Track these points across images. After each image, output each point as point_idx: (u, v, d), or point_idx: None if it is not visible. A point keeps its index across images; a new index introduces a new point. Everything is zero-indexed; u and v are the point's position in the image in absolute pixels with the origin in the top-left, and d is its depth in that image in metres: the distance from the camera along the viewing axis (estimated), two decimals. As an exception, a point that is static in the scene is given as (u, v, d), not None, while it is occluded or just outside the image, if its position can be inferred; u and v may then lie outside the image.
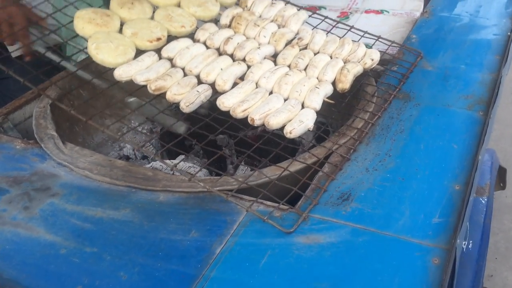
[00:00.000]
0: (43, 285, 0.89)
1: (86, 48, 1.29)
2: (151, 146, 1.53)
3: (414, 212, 0.97)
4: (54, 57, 1.39)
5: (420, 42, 1.58)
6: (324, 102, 1.23)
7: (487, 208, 1.52)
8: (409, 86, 1.37)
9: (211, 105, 1.23)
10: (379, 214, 0.97)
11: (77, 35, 1.33)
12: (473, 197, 1.55)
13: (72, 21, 1.33)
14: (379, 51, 1.40)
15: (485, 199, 1.53)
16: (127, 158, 1.51)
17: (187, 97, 1.18)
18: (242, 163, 1.40)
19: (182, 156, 1.20)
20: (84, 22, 1.30)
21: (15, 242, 0.98)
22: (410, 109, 1.27)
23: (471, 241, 1.46)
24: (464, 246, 1.46)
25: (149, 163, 1.42)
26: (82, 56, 1.61)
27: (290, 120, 1.14)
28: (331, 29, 1.53)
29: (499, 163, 1.81)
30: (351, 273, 0.86)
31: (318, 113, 1.19)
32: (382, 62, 1.44)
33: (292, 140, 1.16)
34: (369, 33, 1.52)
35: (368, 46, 1.49)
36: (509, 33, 1.55)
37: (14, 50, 1.46)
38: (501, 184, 2.11)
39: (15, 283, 0.89)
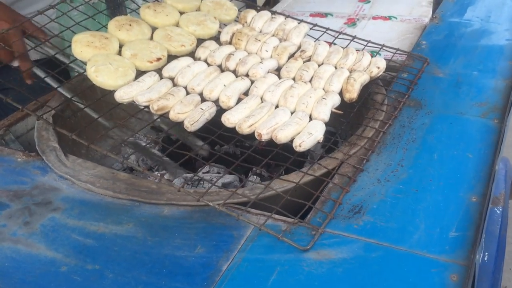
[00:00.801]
0: (43, 304, 0.85)
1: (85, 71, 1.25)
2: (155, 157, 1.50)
3: (429, 226, 0.93)
4: (52, 83, 1.36)
5: (430, 48, 1.54)
6: (332, 113, 1.19)
7: (502, 218, 1.47)
8: (421, 93, 1.33)
9: (214, 123, 1.19)
10: (393, 228, 0.93)
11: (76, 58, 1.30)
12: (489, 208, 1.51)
13: (69, 46, 1.30)
14: (385, 59, 1.37)
15: (500, 209, 1.48)
16: (131, 169, 1.48)
17: (191, 115, 1.14)
18: (251, 176, 1.36)
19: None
20: (82, 45, 1.27)
21: (14, 259, 0.95)
22: (422, 117, 1.23)
23: (486, 253, 1.41)
24: (480, 258, 1.42)
25: (153, 172, 1.38)
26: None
27: (299, 133, 1.11)
28: (334, 40, 1.49)
29: (513, 170, 1.77)
30: (364, 290, 0.82)
31: (326, 124, 1.15)
32: (391, 69, 1.40)
33: (301, 153, 1.12)
34: (372, 42, 1.48)
35: (375, 54, 1.46)
36: (521, 38, 1.51)
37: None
38: (514, 192, 2.06)
39: (14, 303, 0.86)
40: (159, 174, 1.35)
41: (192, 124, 1.13)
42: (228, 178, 1.29)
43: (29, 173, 1.18)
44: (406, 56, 1.50)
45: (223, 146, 1.46)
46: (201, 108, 1.16)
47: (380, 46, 1.48)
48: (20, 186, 1.14)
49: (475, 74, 1.38)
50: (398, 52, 1.47)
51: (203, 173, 1.35)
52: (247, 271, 0.87)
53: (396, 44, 1.78)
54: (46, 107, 1.36)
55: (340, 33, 1.54)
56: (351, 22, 2.03)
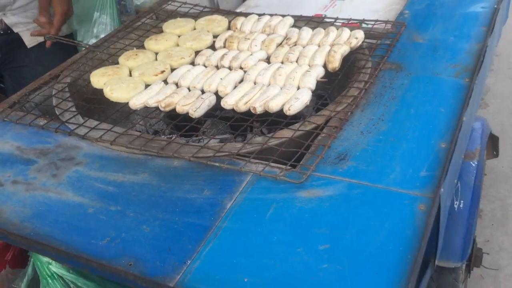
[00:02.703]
0: (75, 239, 1.00)
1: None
2: (161, 122, 1.64)
3: (403, 168, 1.08)
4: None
5: (412, 17, 1.68)
6: (318, 82, 1.34)
7: (477, 171, 1.62)
8: (402, 57, 1.47)
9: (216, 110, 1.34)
10: (372, 170, 1.08)
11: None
12: (464, 160, 1.66)
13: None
14: (363, 31, 1.51)
15: (475, 163, 1.63)
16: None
17: (194, 104, 1.29)
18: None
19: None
20: (98, 76, 1.47)
21: (47, 204, 1.10)
22: (402, 78, 1.38)
23: (462, 201, 1.57)
24: (456, 206, 1.57)
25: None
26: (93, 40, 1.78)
27: (288, 101, 1.26)
28: (317, 28, 1.63)
29: (490, 130, 1.91)
30: (346, 220, 0.97)
31: (316, 91, 1.29)
32: (374, 37, 1.54)
33: (294, 116, 1.26)
34: (353, 19, 1.63)
35: (366, 26, 1.61)
36: (495, 6, 1.64)
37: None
38: (494, 152, 2.21)
39: (50, 238, 1.01)
40: (166, 138, 1.50)
41: (195, 110, 1.28)
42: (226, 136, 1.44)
43: (51, 134, 1.32)
44: (391, 25, 1.63)
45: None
46: (202, 98, 1.32)
47: (360, 21, 1.62)
48: (45, 145, 1.28)
49: (451, 39, 1.52)
50: (378, 21, 1.61)
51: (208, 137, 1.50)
52: (248, 207, 1.03)
53: (382, 14, 1.92)
54: (62, 75, 1.50)
55: (323, 18, 1.69)
56: (341, -4, 2.16)
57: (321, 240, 0.94)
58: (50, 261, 1.21)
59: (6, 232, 1.03)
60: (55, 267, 1.22)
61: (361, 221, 0.97)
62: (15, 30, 1.88)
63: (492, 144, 2.16)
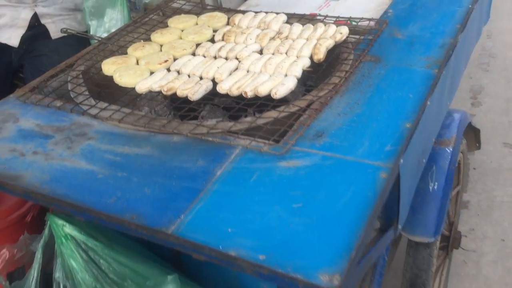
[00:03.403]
0: (87, 198, 1.17)
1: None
2: (164, 107, 1.81)
3: (372, 143, 1.24)
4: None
5: (395, 15, 1.84)
6: (304, 72, 1.51)
7: (451, 156, 1.78)
8: (381, 51, 1.63)
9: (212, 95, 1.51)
10: (345, 145, 1.25)
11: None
12: (440, 147, 1.82)
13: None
14: (349, 28, 1.68)
15: (450, 149, 1.78)
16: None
17: (192, 88, 1.46)
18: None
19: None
20: (109, 64, 1.66)
21: (63, 171, 1.27)
22: (379, 69, 1.54)
23: (436, 183, 1.72)
24: (431, 187, 1.73)
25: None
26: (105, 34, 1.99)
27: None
28: (306, 24, 1.80)
29: (469, 121, 2.06)
30: (318, 184, 1.14)
31: (303, 77, 1.46)
32: (359, 33, 1.71)
33: (281, 100, 1.43)
34: (341, 17, 1.79)
35: (355, 23, 1.78)
36: (470, 5, 1.80)
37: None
38: (477, 144, 2.37)
39: (66, 197, 1.18)
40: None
41: (193, 94, 1.45)
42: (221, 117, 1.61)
43: (67, 114, 1.49)
44: (374, 22, 1.80)
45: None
46: (200, 83, 1.49)
47: (347, 19, 1.78)
48: (61, 123, 1.46)
49: (427, 35, 1.68)
50: (363, 19, 1.77)
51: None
52: (235, 174, 1.19)
53: (373, 13, 2.08)
54: (77, 64, 1.68)
55: (315, 16, 1.85)
56: (335, -4, 2.33)
57: (295, 200, 1.10)
58: (65, 223, 1.38)
59: (29, 191, 1.20)
60: (68, 229, 1.39)
61: (331, 185, 1.13)
62: (42, 21, 2.13)
63: (475, 136, 2.32)
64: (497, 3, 4.99)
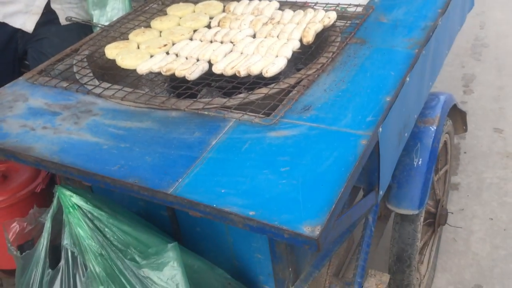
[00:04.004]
0: (93, 166, 1.28)
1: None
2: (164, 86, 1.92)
3: (354, 115, 1.35)
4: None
5: (381, 1, 1.94)
6: (294, 53, 1.61)
7: (435, 134, 1.88)
8: (367, 34, 1.73)
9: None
10: (329, 117, 1.35)
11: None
12: (424, 126, 1.93)
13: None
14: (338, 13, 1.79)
15: (434, 128, 1.89)
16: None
17: (190, 69, 1.57)
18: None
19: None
20: (112, 49, 1.76)
21: (70, 143, 1.38)
22: (364, 50, 1.64)
23: (420, 159, 1.83)
24: (415, 162, 1.84)
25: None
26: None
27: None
28: (297, 10, 1.90)
29: (454, 103, 2.16)
30: (304, 151, 1.24)
31: (293, 58, 1.56)
32: (346, 18, 1.81)
33: (273, 78, 1.53)
34: (330, 3, 1.89)
35: (343, 9, 1.88)
36: (452, -9, 1.90)
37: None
38: (464, 127, 2.47)
39: (74, 165, 1.29)
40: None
41: (191, 73, 1.56)
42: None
43: (73, 93, 1.60)
44: (362, 8, 1.90)
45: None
46: (196, 64, 1.60)
47: (336, 5, 1.89)
48: (67, 102, 1.57)
49: (410, 19, 1.78)
50: (351, 5, 1.88)
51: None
52: (228, 143, 1.30)
53: (363, 0, 2.18)
54: (81, 49, 1.79)
55: (305, 3, 1.96)
56: (328, -16, 2.43)
57: (283, 164, 1.21)
58: (72, 194, 1.49)
59: (40, 159, 1.31)
60: (75, 199, 1.49)
61: (315, 152, 1.24)
62: (52, 5, 2.26)
63: (461, 119, 2.42)
64: (491, -6, 5.10)
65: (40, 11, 2.24)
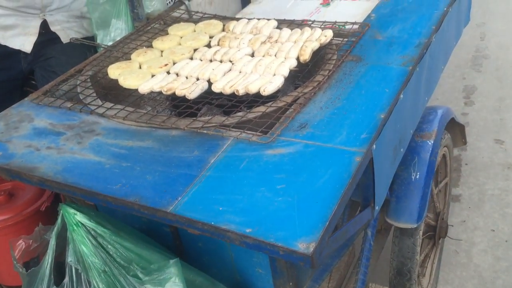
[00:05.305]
0: (95, 185, 1.32)
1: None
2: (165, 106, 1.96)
3: (349, 132, 1.38)
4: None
5: (377, 19, 1.99)
6: (291, 71, 1.66)
7: (432, 148, 1.91)
8: (363, 51, 1.77)
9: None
10: (325, 135, 1.39)
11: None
12: (422, 140, 1.96)
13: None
14: (335, 31, 1.83)
15: (431, 142, 1.92)
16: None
17: (189, 88, 1.62)
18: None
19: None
20: (114, 69, 1.82)
21: (73, 163, 1.42)
22: (360, 67, 1.68)
23: (418, 173, 1.86)
24: (413, 176, 1.86)
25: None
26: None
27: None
28: (294, 29, 1.94)
29: (451, 116, 2.19)
30: (300, 168, 1.28)
31: (290, 76, 1.61)
32: (343, 36, 1.86)
33: (270, 97, 1.57)
34: (327, 21, 1.94)
35: (340, 27, 1.93)
36: (445, 8, 1.94)
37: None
38: (463, 140, 2.49)
39: (76, 184, 1.33)
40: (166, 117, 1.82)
41: (190, 93, 1.60)
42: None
43: (76, 113, 1.65)
44: (358, 25, 1.94)
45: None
46: (196, 83, 1.64)
47: (333, 23, 1.93)
48: (71, 122, 1.61)
49: (405, 36, 1.82)
50: (347, 23, 1.92)
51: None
52: (227, 162, 1.34)
53: (360, 18, 2.22)
54: (85, 70, 1.84)
55: (302, 21, 2.01)
56: (326, 3, 2.48)
57: (279, 182, 1.24)
58: (76, 212, 1.53)
59: (44, 179, 1.36)
60: (79, 217, 1.53)
61: (311, 169, 1.27)
62: (52, 28, 2.35)
63: (460, 132, 2.45)
64: (491, 6, 5.15)
65: (37, 31, 2.34)
